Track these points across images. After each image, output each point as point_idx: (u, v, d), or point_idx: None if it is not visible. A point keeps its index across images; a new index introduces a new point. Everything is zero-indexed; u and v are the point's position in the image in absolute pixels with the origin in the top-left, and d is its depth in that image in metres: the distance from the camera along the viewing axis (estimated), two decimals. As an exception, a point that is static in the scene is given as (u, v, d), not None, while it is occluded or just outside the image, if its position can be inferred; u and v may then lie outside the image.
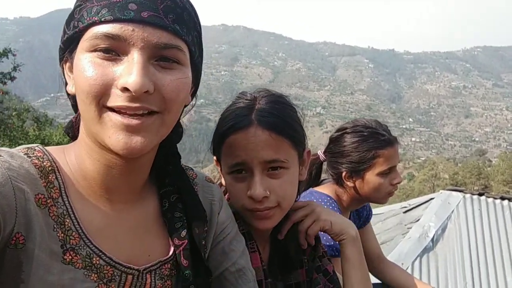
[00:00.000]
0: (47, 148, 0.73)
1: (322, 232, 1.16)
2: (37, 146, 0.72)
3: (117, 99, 0.63)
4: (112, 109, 0.64)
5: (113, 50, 0.64)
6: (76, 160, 0.73)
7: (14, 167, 0.64)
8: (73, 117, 0.79)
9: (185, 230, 0.81)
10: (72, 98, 0.75)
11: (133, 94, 0.62)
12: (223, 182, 1.08)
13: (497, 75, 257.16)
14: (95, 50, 0.64)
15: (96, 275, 0.69)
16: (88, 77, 0.63)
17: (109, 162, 0.71)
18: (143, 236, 0.77)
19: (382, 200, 1.70)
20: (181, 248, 0.79)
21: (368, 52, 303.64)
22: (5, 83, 10.04)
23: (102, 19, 0.63)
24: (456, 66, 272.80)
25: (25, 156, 0.68)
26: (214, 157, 1.10)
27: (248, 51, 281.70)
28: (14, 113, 11.10)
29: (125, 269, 0.72)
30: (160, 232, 0.80)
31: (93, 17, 0.64)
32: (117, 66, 0.64)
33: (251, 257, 0.98)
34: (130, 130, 0.64)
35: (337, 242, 1.17)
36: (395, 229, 5.91)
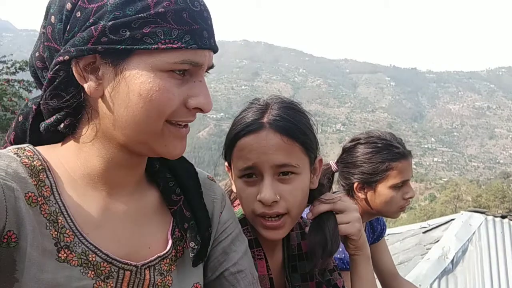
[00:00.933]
0: (38, 147, 0.73)
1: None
2: (27, 146, 0.72)
3: (182, 116, 0.71)
4: (170, 122, 0.70)
5: (184, 72, 0.69)
6: (77, 158, 0.73)
7: (1, 166, 0.64)
8: (66, 120, 0.72)
9: (179, 188, 0.83)
10: (74, 95, 0.70)
11: (203, 111, 0.71)
12: (234, 189, 1.08)
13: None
14: (171, 71, 0.67)
15: (93, 272, 0.69)
16: (168, 97, 0.67)
17: (118, 159, 0.73)
18: (143, 228, 0.78)
19: (393, 214, 1.67)
20: (180, 203, 0.81)
21: (389, 70, 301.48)
22: (30, 91, 10.38)
23: (189, 47, 0.66)
24: (480, 86, 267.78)
25: (15, 156, 0.68)
26: (226, 163, 1.10)
27: (269, 67, 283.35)
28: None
29: (123, 265, 0.72)
30: (160, 224, 0.81)
31: (177, 42, 0.66)
32: (185, 86, 0.70)
33: (256, 264, 0.98)
34: (181, 138, 0.74)
35: (347, 255, 1.15)
36: (414, 250, 5.78)
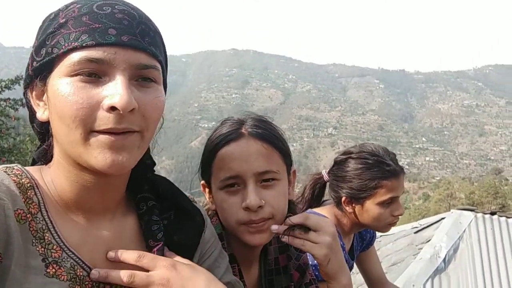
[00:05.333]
0: (27, 167, 0.75)
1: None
2: (15, 165, 0.73)
3: (104, 121, 0.66)
4: (97, 131, 0.66)
5: (95, 73, 0.66)
6: (52, 181, 0.74)
7: None
8: (45, 145, 0.79)
9: (162, 233, 0.82)
10: (40, 125, 0.77)
11: (121, 112, 0.65)
12: (211, 206, 1.08)
13: (510, 93, 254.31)
14: (76, 74, 0.65)
15: (79, 287, 0.69)
16: (74, 101, 0.64)
17: (87, 182, 0.72)
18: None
19: (382, 229, 1.67)
20: (155, 249, 0.79)
21: (378, 72, 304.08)
22: (17, 109, 10.30)
23: (84, 44, 0.65)
24: (468, 85, 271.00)
25: (5, 174, 0.69)
26: (202, 182, 1.10)
27: (259, 74, 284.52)
28: (27, 139, 11.31)
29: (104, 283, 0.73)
30: (138, 249, 0.80)
31: (73, 43, 0.65)
32: (100, 88, 0.66)
33: None
34: (115, 148, 0.67)
35: None
36: (406, 250, 5.80)
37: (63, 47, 0.66)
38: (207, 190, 1.09)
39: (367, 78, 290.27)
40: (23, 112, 10.70)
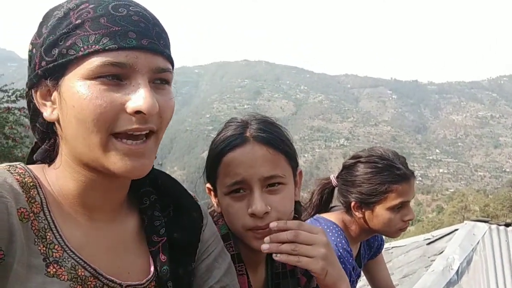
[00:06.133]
0: (30, 166, 0.75)
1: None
2: (19, 163, 0.74)
3: (127, 123, 0.67)
4: (116, 136, 0.67)
5: (116, 76, 0.67)
6: (57, 180, 0.74)
7: None
8: (47, 145, 0.78)
9: (164, 228, 0.82)
10: (45, 125, 0.76)
11: (145, 115, 0.66)
12: (217, 209, 1.08)
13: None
14: (98, 77, 0.65)
15: (80, 287, 0.69)
16: (98, 104, 0.65)
17: (93, 182, 0.73)
18: (122, 255, 0.78)
19: (392, 234, 1.63)
20: (159, 245, 0.80)
21: (391, 83, 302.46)
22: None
23: (106, 48, 0.65)
24: (482, 96, 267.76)
25: (8, 172, 0.69)
26: (207, 185, 1.10)
27: (270, 85, 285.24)
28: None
29: (107, 282, 0.73)
30: (141, 251, 0.81)
31: (94, 46, 0.65)
32: (122, 91, 0.67)
33: (238, 280, 0.97)
34: (136, 155, 0.68)
35: None
36: (418, 262, 5.69)
37: (82, 49, 0.65)
38: (212, 193, 1.10)
39: (379, 89, 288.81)
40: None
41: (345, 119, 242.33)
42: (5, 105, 10.41)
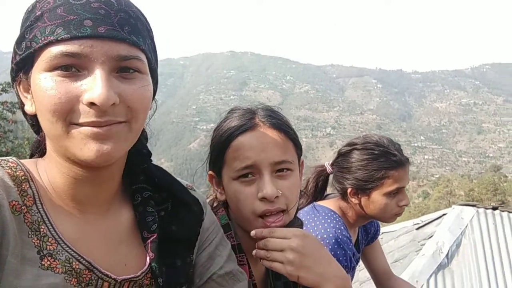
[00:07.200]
0: (22, 160, 0.74)
1: None
2: (10, 158, 0.73)
3: (84, 115, 0.64)
4: (77, 124, 0.65)
5: (73, 66, 0.64)
6: (47, 174, 0.73)
7: None
8: (38, 137, 0.80)
9: (156, 224, 0.81)
10: (31, 118, 0.75)
11: (100, 108, 0.63)
12: (220, 197, 1.07)
13: (507, 91, 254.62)
14: (55, 69, 0.64)
15: (75, 280, 0.69)
16: (52, 96, 0.63)
17: (78, 175, 0.71)
18: (117, 247, 0.77)
19: (388, 220, 1.65)
20: (149, 241, 0.79)
21: (376, 72, 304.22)
22: (14, 112, 10.24)
23: (59, 38, 0.63)
24: (465, 84, 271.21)
25: None
26: (210, 172, 1.08)
27: (256, 76, 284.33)
28: (25, 142, 11.26)
29: (102, 276, 0.72)
30: (137, 244, 0.80)
31: (48, 37, 0.64)
32: (79, 82, 0.65)
33: None
34: (100, 138, 0.65)
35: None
36: (409, 246, 5.76)
37: (40, 41, 0.64)
38: (214, 181, 1.08)
39: (365, 78, 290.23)
40: (21, 115, 10.61)
41: (331, 108, 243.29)
42: (-14, 99, 10.17)
